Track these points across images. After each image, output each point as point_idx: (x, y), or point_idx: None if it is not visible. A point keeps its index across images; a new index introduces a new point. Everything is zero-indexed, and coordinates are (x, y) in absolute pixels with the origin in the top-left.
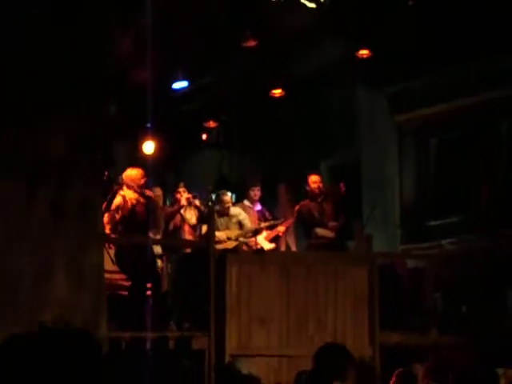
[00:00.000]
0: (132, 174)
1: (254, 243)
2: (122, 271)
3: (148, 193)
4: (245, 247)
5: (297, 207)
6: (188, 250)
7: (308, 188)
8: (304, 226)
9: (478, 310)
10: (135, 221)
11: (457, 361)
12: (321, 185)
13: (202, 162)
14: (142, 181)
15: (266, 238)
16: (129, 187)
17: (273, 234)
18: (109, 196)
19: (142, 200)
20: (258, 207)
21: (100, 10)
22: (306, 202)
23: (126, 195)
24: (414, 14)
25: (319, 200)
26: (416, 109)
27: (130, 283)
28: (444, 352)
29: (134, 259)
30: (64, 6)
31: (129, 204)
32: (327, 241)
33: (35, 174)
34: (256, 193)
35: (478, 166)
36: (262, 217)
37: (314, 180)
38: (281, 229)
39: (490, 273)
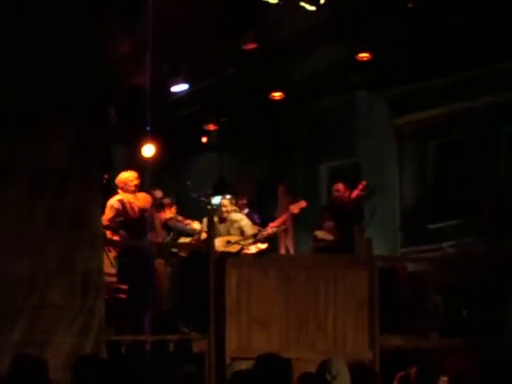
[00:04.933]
0: (125, 176)
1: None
2: (120, 274)
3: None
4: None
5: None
6: (184, 254)
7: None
8: None
9: (479, 313)
10: (133, 223)
11: (454, 364)
12: (337, 194)
13: (202, 165)
14: (136, 182)
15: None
16: (124, 190)
17: (264, 234)
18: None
19: (137, 203)
20: (246, 211)
21: (99, 13)
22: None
23: (123, 198)
24: (413, 18)
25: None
26: (415, 112)
27: (128, 286)
28: (438, 356)
29: (134, 262)
30: (62, 9)
31: (127, 207)
32: (327, 243)
33: (34, 181)
34: (241, 205)
35: (478, 169)
36: (251, 220)
37: (335, 188)
38: (270, 230)
39: (491, 276)
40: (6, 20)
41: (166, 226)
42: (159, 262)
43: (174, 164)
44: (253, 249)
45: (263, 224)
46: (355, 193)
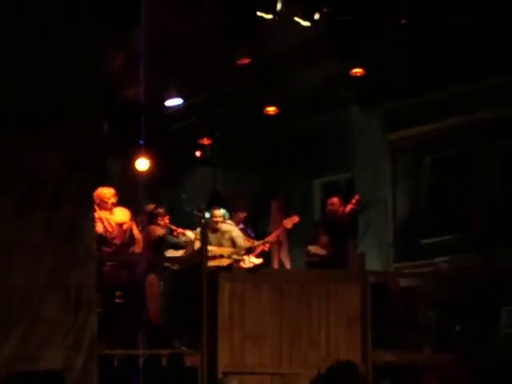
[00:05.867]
0: (102, 193)
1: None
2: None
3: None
4: (238, 264)
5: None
6: (176, 267)
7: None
8: None
9: (472, 328)
10: (112, 239)
11: (447, 378)
12: (331, 207)
13: (196, 179)
14: (113, 200)
15: (252, 254)
16: (100, 207)
17: (259, 249)
18: None
19: (114, 218)
20: (240, 226)
21: (92, 26)
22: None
23: (100, 217)
24: (407, 33)
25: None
26: (410, 127)
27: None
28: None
29: (120, 277)
30: (58, 22)
31: (104, 224)
32: (320, 258)
33: (27, 194)
34: (240, 216)
35: (472, 184)
36: (245, 235)
37: (330, 202)
38: (266, 246)
39: (484, 291)
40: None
41: (158, 243)
42: (152, 277)
43: (167, 178)
44: (247, 263)
45: (257, 239)
46: (349, 207)
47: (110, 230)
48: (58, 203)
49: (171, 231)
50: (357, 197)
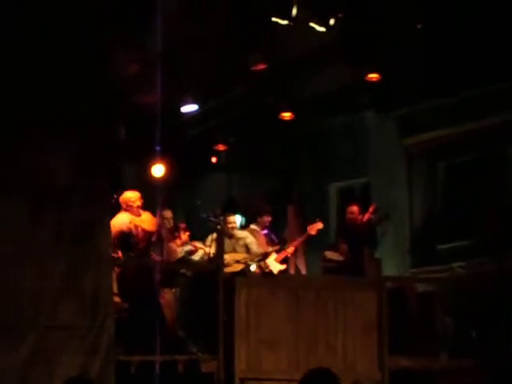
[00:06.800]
0: (128, 196)
1: (264, 265)
2: (121, 294)
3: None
4: (257, 270)
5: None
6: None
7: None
8: None
9: (489, 334)
10: (134, 243)
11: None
12: (351, 216)
13: (211, 184)
14: (139, 203)
15: (276, 260)
16: (127, 210)
17: (282, 255)
18: None
19: (143, 225)
20: (265, 231)
21: (102, 25)
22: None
23: (131, 220)
24: (422, 38)
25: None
26: (424, 132)
27: (131, 306)
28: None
29: (138, 282)
30: (65, 26)
31: (132, 228)
32: (336, 264)
33: (38, 198)
34: (265, 220)
35: (487, 189)
36: (269, 240)
37: (349, 211)
38: (289, 250)
39: (501, 296)
40: (8, 36)
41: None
42: (166, 291)
43: (183, 184)
44: (277, 266)
45: (280, 244)
46: (366, 216)
47: (135, 233)
48: (69, 206)
49: (190, 253)
50: (374, 205)
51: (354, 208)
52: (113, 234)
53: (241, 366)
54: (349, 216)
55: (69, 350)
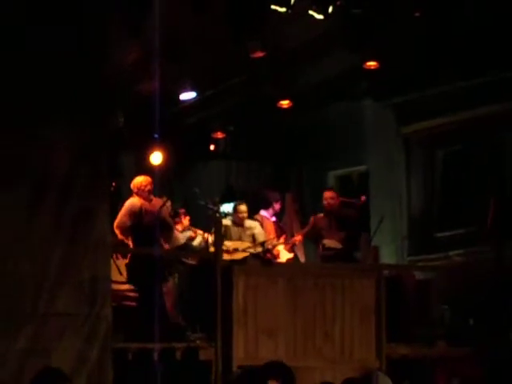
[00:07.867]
0: (139, 180)
1: (276, 252)
2: (131, 282)
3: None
4: (269, 255)
5: (311, 219)
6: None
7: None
8: (313, 238)
9: (486, 322)
10: (144, 228)
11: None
12: (331, 201)
13: (210, 172)
14: (149, 187)
15: (285, 248)
16: (138, 195)
17: (291, 243)
18: (119, 208)
19: (149, 207)
20: (273, 218)
21: (102, 15)
22: (320, 215)
23: (142, 203)
24: (420, 26)
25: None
26: (423, 121)
27: (136, 294)
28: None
29: (144, 269)
30: (64, 13)
31: (143, 212)
32: (335, 252)
33: (37, 186)
34: (276, 208)
35: (485, 177)
36: (277, 228)
37: (325, 196)
38: (298, 237)
39: (498, 284)
40: (9, 27)
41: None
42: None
43: (181, 171)
44: (286, 254)
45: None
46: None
47: (146, 220)
48: (68, 194)
49: (190, 239)
50: (363, 198)
51: (329, 193)
52: (124, 218)
53: (239, 354)
54: (328, 201)
55: (67, 338)
